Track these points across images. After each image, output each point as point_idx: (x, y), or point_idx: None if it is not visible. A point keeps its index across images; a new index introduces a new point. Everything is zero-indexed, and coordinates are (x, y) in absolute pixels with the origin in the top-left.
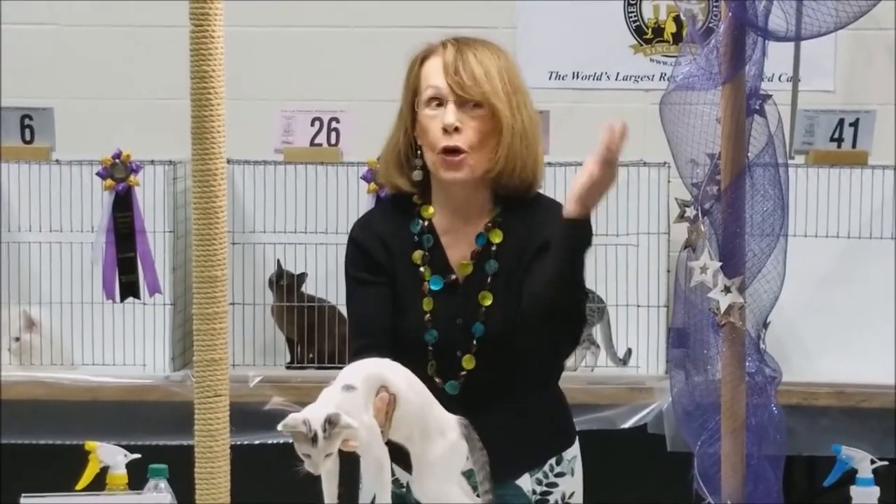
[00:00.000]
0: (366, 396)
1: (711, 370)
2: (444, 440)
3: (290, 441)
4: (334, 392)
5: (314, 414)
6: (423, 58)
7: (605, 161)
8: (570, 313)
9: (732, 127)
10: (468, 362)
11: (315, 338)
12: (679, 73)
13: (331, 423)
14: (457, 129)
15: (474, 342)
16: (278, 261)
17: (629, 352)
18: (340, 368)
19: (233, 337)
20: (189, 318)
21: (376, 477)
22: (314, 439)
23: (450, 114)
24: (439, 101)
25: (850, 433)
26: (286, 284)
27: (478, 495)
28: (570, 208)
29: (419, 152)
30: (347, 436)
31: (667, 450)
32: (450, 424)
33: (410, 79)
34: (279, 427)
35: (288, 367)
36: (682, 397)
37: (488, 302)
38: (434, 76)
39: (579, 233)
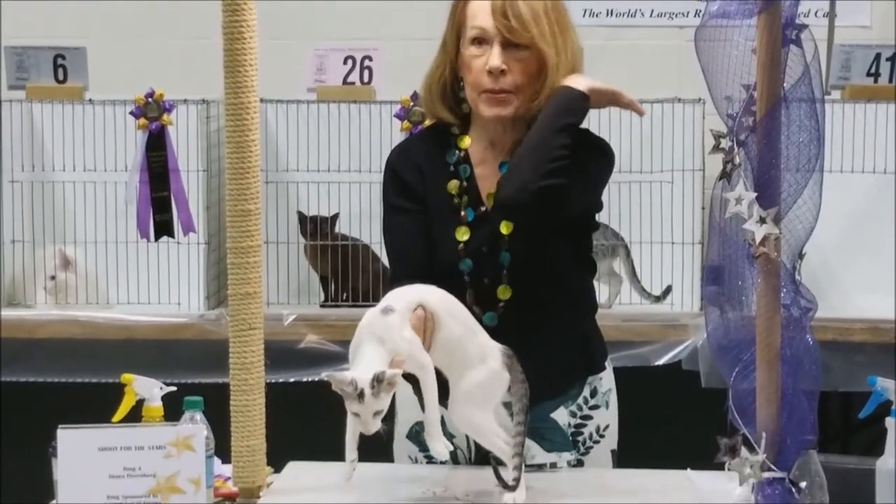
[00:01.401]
0: (402, 316)
1: (746, 303)
2: (485, 367)
3: (325, 379)
4: (374, 316)
5: (362, 374)
6: None
7: (632, 107)
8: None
9: (768, 57)
10: (504, 292)
11: (349, 276)
12: (714, 5)
13: (378, 380)
14: (503, 72)
15: (504, 272)
16: (299, 212)
17: (669, 289)
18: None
19: (267, 275)
20: (223, 256)
21: (422, 380)
22: (361, 396)
23: (495, 57)
24: (483, 40)
25: (886, 368)
26: (319, 228)
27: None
28: (579, 84)
29: (461, 85)
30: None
31: (701, 386)
32: (493, 353)
33: (455, 14)
34: (323, 375)
35: (322, 306)
36: (717, 331)
37: (507, 230)
38: (480, 16)
39: (573, 96)
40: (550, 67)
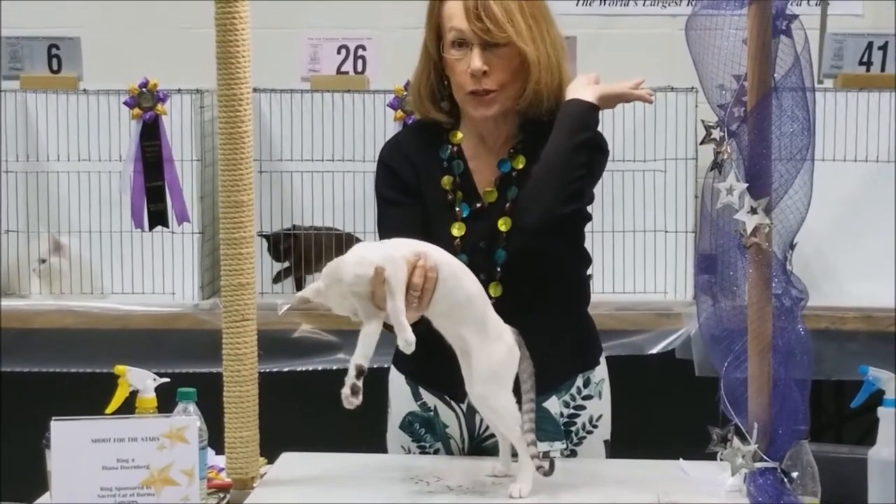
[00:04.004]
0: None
1: (738, 293)
2: (502, 344)
3: (319, 368)
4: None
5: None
6: None
7: (641, 99)
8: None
9: (759, 47)
10: (495, 290)
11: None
12: None
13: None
14: (485, 73)
15: (498, 269)
16: (263, 235)
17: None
18: None
19: (261, 265)
20: (217, 246)
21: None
22: None
23: (476, 59)
24: (463, 42)
25: (878, 357)
26: (275, 244)
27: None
28: (586, 94)
29: (447, 83)
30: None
31: (695, 375)
32: (505, 331)
33: (432, 18)
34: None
35: None
36: (709, 321)
37: (506, 228)
38: (456, 19)
39: (584, 110)
40: (532, 63)
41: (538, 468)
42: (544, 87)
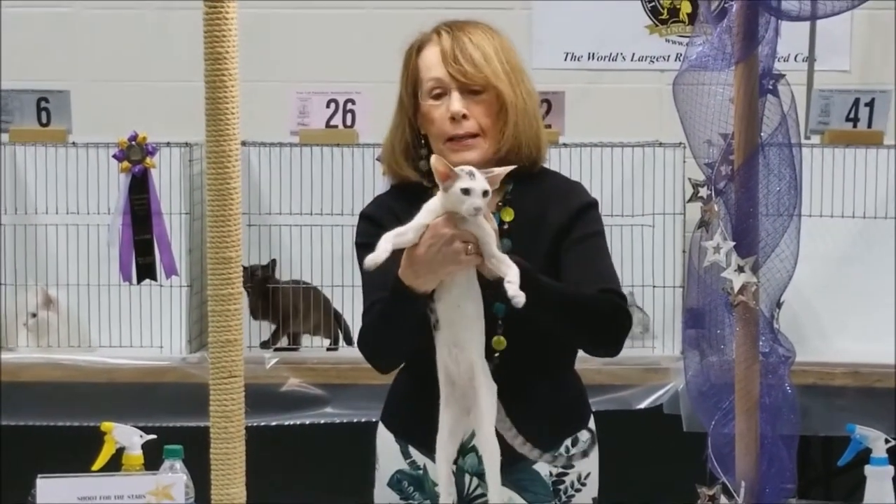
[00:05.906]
0: None
1: (726, 350)
2: (493, 387)
3: (307, 423)
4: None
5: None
6: (418, 47)
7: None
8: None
9: (745, 107)
10: (499, 343)
11: (308, 317)
12: (692, 53)
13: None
14: (464, 117)
15: (500, 322)
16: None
17: None
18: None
19: (249, 319)
20: (205, 300)
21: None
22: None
23: (455, 102)
24: (441, 92)
25: (866, 413)
26: (252, 276)
27: None
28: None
29: (423, 141)
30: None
31: (683, 430)
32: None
33: (409, 70)
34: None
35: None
36: (697, 378)
37: None
38: (434, 67)
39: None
40: (509, 105)
41: None
42: (522, 133)
